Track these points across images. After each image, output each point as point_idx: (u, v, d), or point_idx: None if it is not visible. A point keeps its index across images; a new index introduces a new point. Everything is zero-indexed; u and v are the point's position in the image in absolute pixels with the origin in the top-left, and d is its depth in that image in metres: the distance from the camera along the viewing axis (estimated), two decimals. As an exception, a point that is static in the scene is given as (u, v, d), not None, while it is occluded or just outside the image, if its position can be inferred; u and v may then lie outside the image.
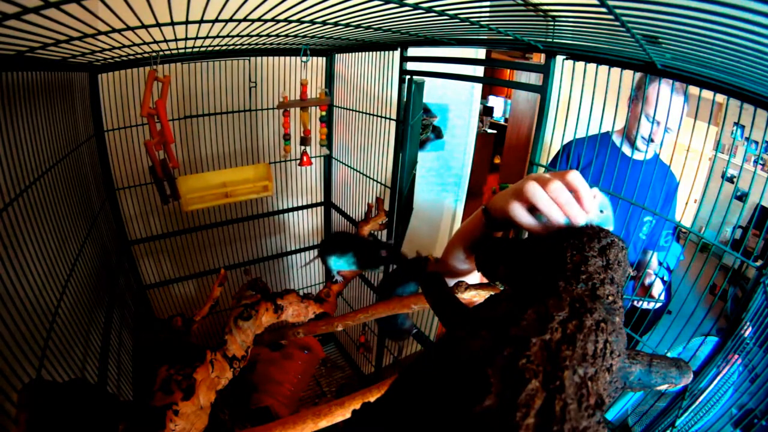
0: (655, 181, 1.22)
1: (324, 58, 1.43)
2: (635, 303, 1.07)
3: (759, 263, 0.68)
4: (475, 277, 0.69)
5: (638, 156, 1.27)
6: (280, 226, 1.73)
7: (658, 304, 1.06)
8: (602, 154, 1.23)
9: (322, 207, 1.76)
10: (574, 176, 0.42)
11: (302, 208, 1.71)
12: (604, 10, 0.43)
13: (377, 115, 1.37)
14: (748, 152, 2.79)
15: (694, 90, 0.69)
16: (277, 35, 0.92)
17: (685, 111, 1.18)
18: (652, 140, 1.22)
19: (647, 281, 1.12)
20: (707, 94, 0.68)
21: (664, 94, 1.13)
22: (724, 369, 0.76)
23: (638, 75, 1.17)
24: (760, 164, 2.89)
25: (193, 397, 0.75)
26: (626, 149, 1.32)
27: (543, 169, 0.91)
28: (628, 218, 1.10)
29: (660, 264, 1.33)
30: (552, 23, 0.64)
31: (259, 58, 1.36)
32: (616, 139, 1.32)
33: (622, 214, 1.06)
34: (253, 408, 1.24)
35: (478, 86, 2.23)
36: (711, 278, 0.81)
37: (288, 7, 0.61)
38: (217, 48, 1.10)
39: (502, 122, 5.94)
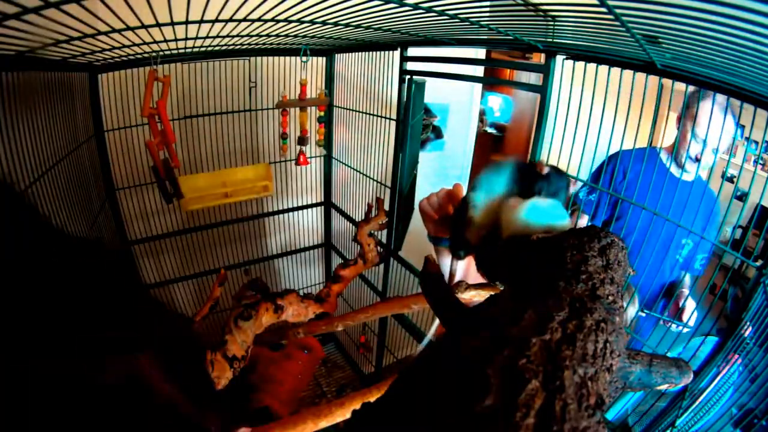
0: (697, 203, 1.19)
1: (324, 58, 1.43)
2: (665, 323, 1.05)
3: (759, 263, 0.68)
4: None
5: (685, 177, 1.26)
6: (280, 226, 1.73)
7: (685, 329, 1.04)
8: (649, 170, 1.21)
9: (322, 207, 1.76)
10: None
11: (302, 208, 1.71)
12: (604, 10, 0.43)
13: (377, 115, 1.37)
14: (748, 152, 2.79)
15: (734, 109, 0.69)
16: (277, 35, 0.92)
17: (733, 131, 1.15)
18: (698, 160, 1.21)
19: (680, 302, 1.10)
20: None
21: (716, 114, 1.10)
22: (724, 369, 0.76)
23: (690, 90, 1.16)
24: (760, 164, 2.89)
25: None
26: (674, 169, 1.30)
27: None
28: (666, 236, 1.06)
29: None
30: (552, 23, 0.64)
31: (258, 58, 1.36)
32: (664, 157, 1.31)
33: (664, 234, 1.00)
34: (253, 408, 1.23)
35: (478, 86, 2.23)
36: (711, 278, 0.81)
37: (288, 7, 0.61)
38: (217, 48, 1.10)
39: (502, 122, 5.93)
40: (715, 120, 1.10)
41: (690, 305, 1.08)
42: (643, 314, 0.97)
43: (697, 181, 1.28)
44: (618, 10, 0.43)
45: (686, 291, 1.16)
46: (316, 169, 1.67)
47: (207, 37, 0.85)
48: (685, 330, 1.03)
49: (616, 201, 1.33)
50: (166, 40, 0.81)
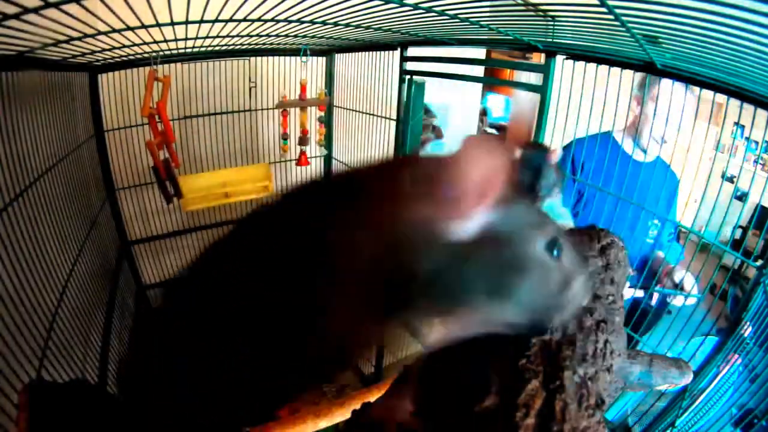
0: (660, 183, 1.19)
1: (324, 58, 1.43)
2: (669, 299, 1.00)
3: (759, 263, 0.68)
4: None
5: (639, 156, 1.26)
6: (280, 226, 1.73)
7: (692, 300, 0.99)
8: (603, 155, 1.21)
9: (322, 207, 1.76)
10: None
11: (302, 208, 1.71)
12: (604, 10, 0.43)
13: (377, 115, 1.37)
14: (748, 152, 2.79)
15: (694, 90, 0.69)
16: (277, 35, 0.92)
17: (693, 108, 1.14)
18: (665, 141, 1.19)
19: (677, 278, 1.06)
20: (707, 94, 0.68)
21: (677, 91, 1.08)
22: (724, 369, 0.76)
23: (640, 73, 1.15)
24: (760, 164, 2.89)
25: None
26: (627, 147, 1.29)
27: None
28: (633, 220, 1.04)
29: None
30: (552, 23, 0.64)
31: (258, 58, 1.35)
32: (617, 137, 1.30)
33: (628, 217, 1.00)
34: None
35: (478, 86, 2.23)
36: (711, 278, 0.81)
37: (288, 7, 0.61)
38: (217, 48, 1.10)
39: (502, 122, 5.94)
40: (676, 94, 1.07)
41: (688, 277, 1.04)
42: (641, 294, 0.93)
43: (657, 161, 1.26)
44: (618, 10, 0.43)
45: (678, 266, 1.13)
46: (316, 169, 1.67)
47: (207, 37, 0.85)
48: (693, 301, 0.98)
49: (579, 190, 1.31)
50: (166, 40, 0.81)
